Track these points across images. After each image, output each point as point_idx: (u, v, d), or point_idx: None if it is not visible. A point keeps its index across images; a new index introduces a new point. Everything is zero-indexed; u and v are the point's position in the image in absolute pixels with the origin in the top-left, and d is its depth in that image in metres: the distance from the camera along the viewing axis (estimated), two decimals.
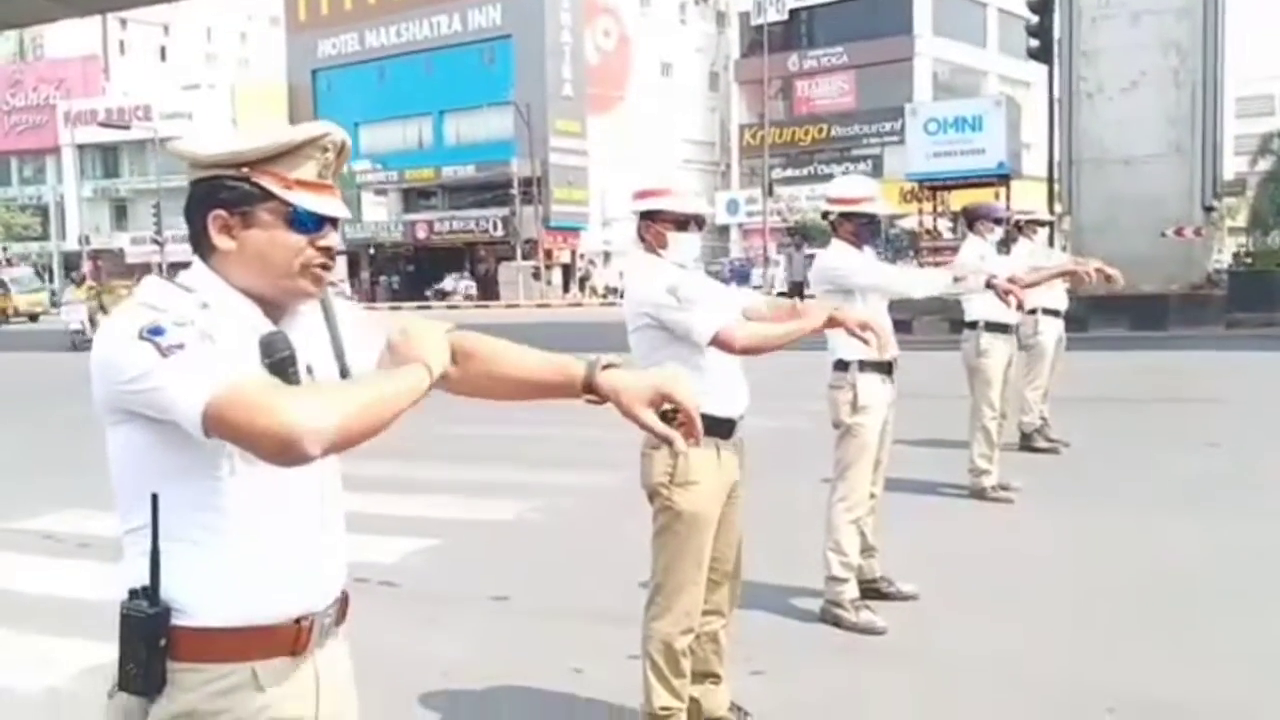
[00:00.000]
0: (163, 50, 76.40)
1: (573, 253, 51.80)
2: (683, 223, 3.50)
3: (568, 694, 4.22)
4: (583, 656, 4.52)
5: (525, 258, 47.06)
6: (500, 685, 4.30)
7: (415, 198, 55.22)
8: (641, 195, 3.56)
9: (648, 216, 3.52)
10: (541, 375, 1.92)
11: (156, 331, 1.56)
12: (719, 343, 3.41)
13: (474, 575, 5.90)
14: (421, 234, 52.84)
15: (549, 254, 49.43)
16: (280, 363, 1.67)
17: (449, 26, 51.95)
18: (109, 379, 1.61)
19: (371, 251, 53.94)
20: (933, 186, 24.35)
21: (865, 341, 3.64)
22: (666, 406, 1.85)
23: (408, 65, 53.12)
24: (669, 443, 1.85)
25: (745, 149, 52.35)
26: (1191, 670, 4.23)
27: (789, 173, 49.87)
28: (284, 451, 1.52)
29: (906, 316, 16.49)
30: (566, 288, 50.48)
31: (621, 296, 29.93)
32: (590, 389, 1.86)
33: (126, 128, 50.49)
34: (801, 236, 32.97)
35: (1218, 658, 4.35)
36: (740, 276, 38.89)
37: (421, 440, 7.12)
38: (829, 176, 49.18)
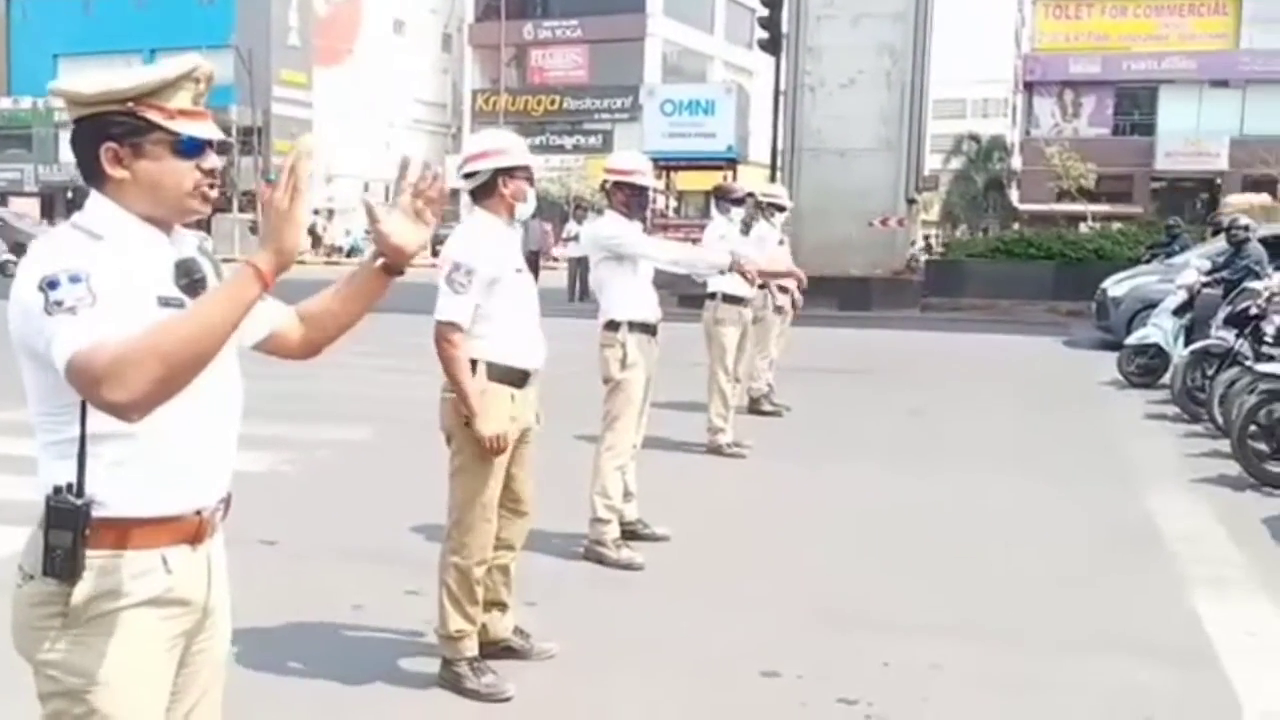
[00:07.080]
0: None
1: None
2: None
3: (353, 625, 4.43)
4: (360, 594, 4.73)
5: (242, 210, 44.98)
6: (284, 623, 4.39)
7: None
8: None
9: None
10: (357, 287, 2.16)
11: (53, 285, 1.75)
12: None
13: (234, 522, 5.91)
14: None
15: None
16: (194, 283, 1.94)
17: None
18: (24, 317, 1.79)
19: (70, 195, 49.93)
20: (665, 166, 25.24)
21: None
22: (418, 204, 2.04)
23: None
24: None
25: (478, 114, 51.88)
26: (888, 585, 4.95)
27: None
28: (113, 413, 1.73)
29: None
30: None
31: (347, 256, 29.51)
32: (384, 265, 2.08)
33: None
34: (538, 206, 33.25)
35: (908, 575, 5.10)
36: None
37: None
38: (560, 148, 49.84)
